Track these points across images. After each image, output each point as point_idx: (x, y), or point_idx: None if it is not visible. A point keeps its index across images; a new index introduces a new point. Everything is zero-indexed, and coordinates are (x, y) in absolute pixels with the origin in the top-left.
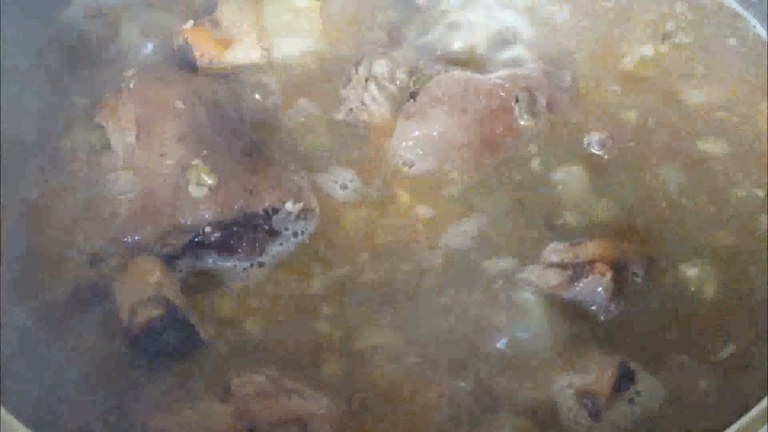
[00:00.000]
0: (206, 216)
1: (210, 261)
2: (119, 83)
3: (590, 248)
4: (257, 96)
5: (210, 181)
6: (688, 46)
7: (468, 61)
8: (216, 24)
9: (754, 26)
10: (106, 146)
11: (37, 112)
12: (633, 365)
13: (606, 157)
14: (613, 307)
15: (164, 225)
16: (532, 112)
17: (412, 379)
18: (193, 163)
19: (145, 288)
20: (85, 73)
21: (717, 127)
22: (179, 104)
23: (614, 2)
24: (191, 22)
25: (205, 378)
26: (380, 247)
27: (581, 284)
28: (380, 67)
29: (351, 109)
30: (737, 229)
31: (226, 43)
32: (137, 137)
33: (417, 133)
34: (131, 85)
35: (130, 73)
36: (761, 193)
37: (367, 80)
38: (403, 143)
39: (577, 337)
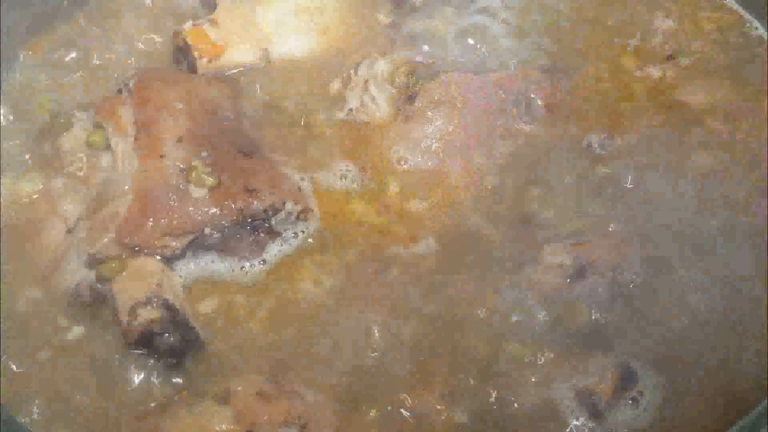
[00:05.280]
0: (206, 217)
1: (210, 261)
2: (119, 84)
3: (591, 249)
4: (257, 96)
5: (210, 182)
6: (689, 46)
7: (467, 63)
8: (215, 25)
9: (756, 27)
10: (106, 146)
11: None
12: (634, 365)
13: (605, 157)
14: (613, 307)
15: (164, 226)
16: (531, 114)
17: (411, 380)
18: (193, 163)
19: (144, 289)
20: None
21: (718, 128)
22: (179, 105)
23: (615, 4)
24: (190, 23)
25: (204, 379)
26: (381, 248)
27: (582, 285)
28: (380, 68)
29: (351, 110)
30: (736, 229)
31: (225, 44)
32: (136, 138)
33: (416, 134)
34: (131, 86)
35: (129, 73)
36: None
37: (366, 81)
38: (403, 144)
39: (578, 337)
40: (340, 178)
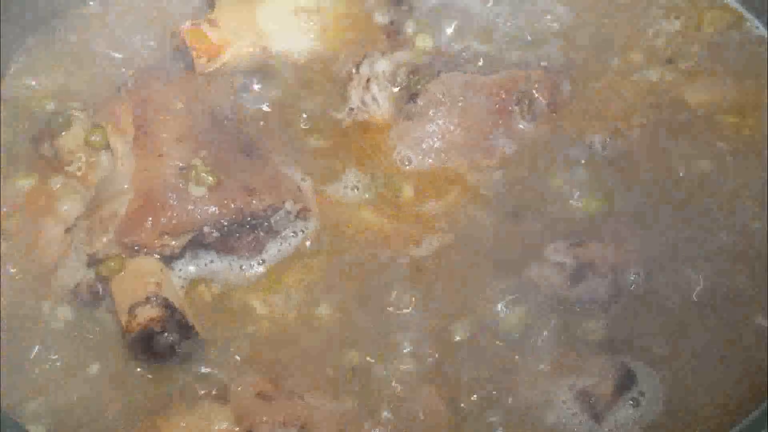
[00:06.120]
0: (205, 216)
1: (209, 261)
2: (118, 84)
3: (592, 249)
4: (256, 96)
5: (209, 181)
6: (690, 46)
7: (469, 62)
8: (214, 24)
9: (757, 27)
10: (106, 146)
11: None
12: (634, 366)
13: (607, 157)
14: (614, 307)
15: (163, 225)
16: (533, 113)
17: (410, 380)
18: (193, 163)
19: (144, 288)
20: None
21: (719, 127)
22: (178, 104)
23: (618, 4)
24: (189, 22)
25: (204, 379)
26: (381, 247)
27: (582, 285)
28: (381, 67)
29: (352, 109)
30: (737, 230)
31: (224, 44)
32: (135, 137)
33: (418, 133)
34: (130, 86)
35: (128, 73)
36: (762, 195)
37: (368, 80)
38: (404, 143)
39: (578, 337)
40: (340, 178)
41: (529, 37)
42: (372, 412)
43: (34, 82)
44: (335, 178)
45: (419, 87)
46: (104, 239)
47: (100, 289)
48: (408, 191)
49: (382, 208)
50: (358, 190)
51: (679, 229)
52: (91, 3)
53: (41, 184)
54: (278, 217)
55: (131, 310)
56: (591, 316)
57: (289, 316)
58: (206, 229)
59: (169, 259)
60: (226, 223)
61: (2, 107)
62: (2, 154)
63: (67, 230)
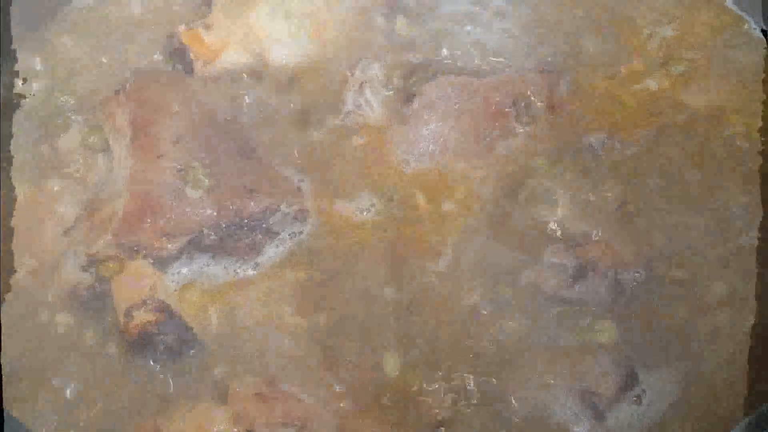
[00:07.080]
0: (203, 218)
1: (207, 263)
2: (117, 85)
3: (591, 249)
4: (252, 98)
5: (207, 183)
6: (688, 48)
7: (465, 65)
8: (209, 28)
9: (755, 28)
10: (105, 147)
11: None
12: (636, 365)
13: (606, 158)
14: (614, 307)
15: (161, 226)
16: (530, 115)
17: (409, 380)
18: (191, 164)
19: (141, 290)
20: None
21: (718, 128)
22: (176, 106)
23: (616, 6)
24: (185, 24)
25: (202, 381)
26: (379, 247)
27: (582, 285)
28: (376, 70)
29: (347, 113)
30: (736, 230)
31: (220, 46)
32: (134, 139)
33: (413, 136)
34: (127, 88)
35: (127, 75)
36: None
37: (362, 84)
38: (400, 147)
39: (579, 337)
40: (336, 179)
41: (525, 40)
42: (373, 413)
43: (33, 84)
44: (329, 177)
45: (414, 90)
46: (103, 240)
47: (99, 291)
48: (403, 193)
49: (377, 209)
50: (351, 191)
51: (678, 229)
52: (89, 3)
53: (40, 185)
54: (276, 219)
55: (128, 313)
56: (592, 315)
57: (285, 316)
58: (205, 231)
59: (167, 261)
60: (224, 225)
61: (1, 109)
62: (1, 156)
63: (66, 231)
